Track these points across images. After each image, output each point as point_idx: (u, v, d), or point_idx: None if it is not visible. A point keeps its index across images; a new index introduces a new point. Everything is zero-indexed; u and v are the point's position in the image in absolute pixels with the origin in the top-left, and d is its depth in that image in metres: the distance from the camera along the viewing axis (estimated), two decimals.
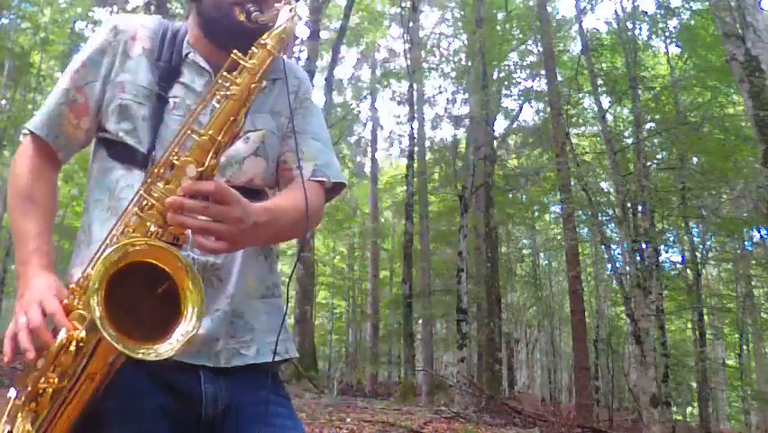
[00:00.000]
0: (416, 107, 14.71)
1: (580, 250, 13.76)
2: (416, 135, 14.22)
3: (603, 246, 10.83)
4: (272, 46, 1.00)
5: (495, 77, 14.97)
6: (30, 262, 1.04)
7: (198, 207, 0.91)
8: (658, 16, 11.57)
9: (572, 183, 11.54)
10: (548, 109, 13.39)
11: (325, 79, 13.58)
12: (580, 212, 12.53)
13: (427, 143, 17.10)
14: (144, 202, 0.94)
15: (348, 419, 6.89)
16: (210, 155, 0.93)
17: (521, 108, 15.84)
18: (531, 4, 14.16)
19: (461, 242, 10.94)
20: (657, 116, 11.89)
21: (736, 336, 15.55)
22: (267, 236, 1.06)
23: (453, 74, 15.17)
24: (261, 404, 1.10)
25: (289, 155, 1.21)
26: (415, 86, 14.17)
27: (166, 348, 0.86)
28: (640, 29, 11.45)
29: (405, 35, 14.12)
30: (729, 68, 6.19)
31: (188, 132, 0.96)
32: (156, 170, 0.96)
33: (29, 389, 0.92)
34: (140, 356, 0.84)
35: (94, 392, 0.91)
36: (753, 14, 5.79)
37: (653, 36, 12.38)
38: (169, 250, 0.90)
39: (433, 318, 16.37)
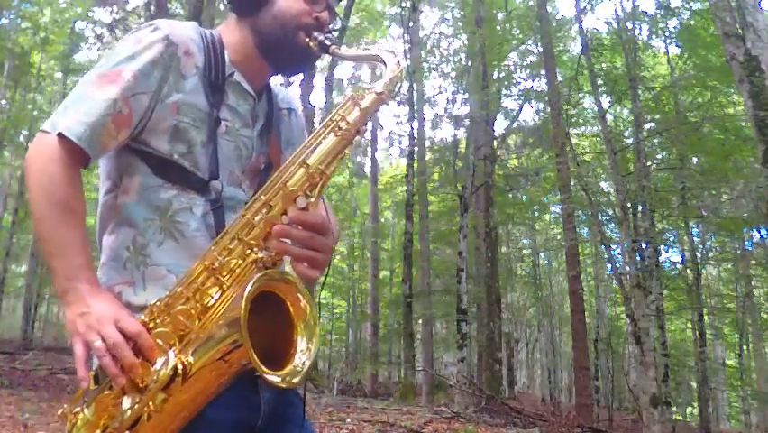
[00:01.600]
0: (416, 107, 14.70)
1: (580, 250, 13.75)
2: (416, 135, 14.22)
3: (603, 246, 10.83)
4: (385, 94, 1.04)
5: (495, 77, 14.96)
6: (79, 277, 0.98)
7: (304, 236, 0.95)
8: (658, 16, 11.57)
9: (572, 183, 11.54)
10: (548, 109, 13.38)
11: (325, 79, 13.56)
12: (580, 212, 12.53)
13: (427, 143, 17.11)
14: (247, 227, 0.97)
15: (348, 419, 6.89)
16: (318, 188, 0.98)
17: (521, 108, 15.85)
18: (531, 4, 14.16)
19: (461, 242, 10.94)
20: (657, 116, 11.89)
21: (736, 336, 15.55)
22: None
23: (453, 74, 15.17)
24: (293, 406, 1.15)
25: None
26: (415, 86, 14.16)
27: (297, 372, 0.91)
28: (640, 29, 11.47)
29: (405, 35, 14.12)
30: (729, 68, 6.19)
31: (297, 163, 0.99)
32: (262, 197, 0.99)
33: (127, 413, 0.89)
34: (279, 383, 0.88)
35: (189, 414, 0.93)
36: (753, 14, 5.78)
37: (653, 36, 12.39)
38: (293, 282, 0.95)
39: (433, 318, 16.36)
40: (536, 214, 19.12)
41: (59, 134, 1.01)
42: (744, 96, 5.90)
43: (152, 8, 15.83)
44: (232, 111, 1.13)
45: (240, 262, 0.95)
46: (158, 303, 0.95)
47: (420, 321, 16.64)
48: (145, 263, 1.07)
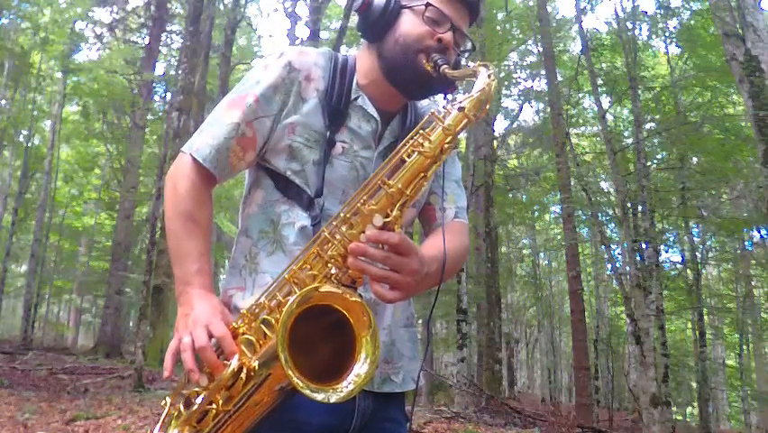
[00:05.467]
0: None
1: (580, 250, 13.76)
2: None
3: (603, 246, 10.83)
4: (469, 110, 1.00)
5: None
6: (193, 282, 1.06)
7: (380, 255, 0.94)
8: (658, 16, 11.57)
9: (572, 183, 11.54)
10: (548, 109, 13.38)
11: None
12: (580, 212, 12.53)
13: None
14: (327, 244, 0.97)
15: None
16: (396, 207, 0.96)
17: (521, 108, 15.86)
18: (531, 4, 14.16)
19: None
20: (657, 116, 11.89)
21: (736, 336, 15.54)
22: (434, 283, 1.07)
23: None
24: (394, 423, 1.20)
25: (433, 197, 1.27)
26: None
27: (337, 396, 0.89)
28: (640, 29, 11.46)
29: None
30: (729, 68, 6.19)
31: (379, 182, 0.98)
32: (342, 215, 0.99)
33: (194, 408, 0.95)
34: (318, 398, 0.87)
35: (255, 419, 0.95)
36: (753, 14, 5.78)
37: (653, 36, 12.39)
38: (351, 297, 0.94)
39: (433, 318, 16.36)
40: (536, 214, 19.12)
41: (191, 155, 1.14)
42: (744, 96, 5.90)
43: (152, 8, 15.84)
44: (352, 133, 1.16)
45: (318, 276, 0.96)
46: (247, 312, 1.00)
47: (420, 321, 16.65)
48: (256, 271, 1.14)
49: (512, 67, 15.33)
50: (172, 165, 1.18)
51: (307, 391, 0.85)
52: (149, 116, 16.28)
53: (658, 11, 11.41)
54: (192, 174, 1.14)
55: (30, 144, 16.85)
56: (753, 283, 15.28)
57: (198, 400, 0.95)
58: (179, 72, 9.38)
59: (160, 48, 16.59)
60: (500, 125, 16.04)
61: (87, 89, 16.36)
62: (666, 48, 13.30)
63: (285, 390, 0.91)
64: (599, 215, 11.02)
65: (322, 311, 0.93)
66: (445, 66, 1.07)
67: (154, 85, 17.36)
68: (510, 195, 15.88)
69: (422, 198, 1.24)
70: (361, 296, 0.96)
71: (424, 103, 1.29)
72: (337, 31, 14.56)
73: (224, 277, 1.20)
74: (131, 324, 21.68)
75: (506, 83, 15.28)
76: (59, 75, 17.25)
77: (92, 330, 24.49)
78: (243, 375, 0.91)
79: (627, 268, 10.42)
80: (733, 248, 14.29)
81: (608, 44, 11.80)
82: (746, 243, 14.16)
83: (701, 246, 13.47)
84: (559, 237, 16.14)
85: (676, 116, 11.07)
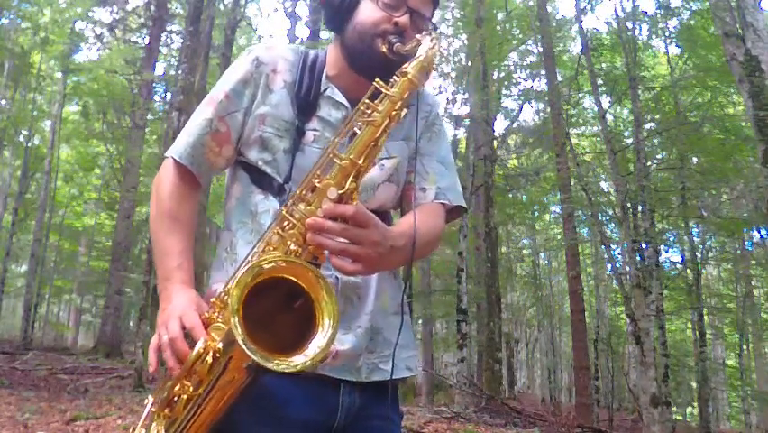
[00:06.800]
0: None
1: (580, 250, 13.76)
2: None
3: (603, 246, 10.83)
4: (413, 75, 1.01)
5: (495, 77, 14.97)
6: (173, 278, 1.09)
7: (337, 228, 0.93)
8: (658, 16, 11.57)
9: (572, 183, 11.54)
10: (548, 109, 13.38)
11: None
12: (580, 212, 12.53)
13: None
14: (286, 222, 0.98)
15: None
16: (350, 179, 0.96)
17: (521, 108, 15.86)
18: (531, 4, 14.16)
19: (461, 242, 10.94)
20: (657, 116, 11.88)
21: (736, 336, 15.54)
22: (404, 259, 1.07)
23: (453, 74, 15.16)
24: (386, 421, 1.17)
25: (413, 176, 1.25)
26: None
27: (300, 360, 0.88)
28: (640, 29, 11.46)
29: None
30: (729, 68, 6.19)
31: (330, 156, 0.99)
32: (298, 192, 0.99)
33: (164, 395, 0.97)
34: (272, 367, 0.86)
35: (228, 401, 0.94)
36: (753, 14, 5.78)
37: (653, 36, 12.39)
38: (304, 266, 0.93)
39: (433, 318, 16.36)
40: (536, 214, 19.12)
41: (171, 157, 1.19)
42: (744, 97, 5.90)
43: (152, 8, 15.84)
44: (322, 121, 1.17)
45: (275, 255, 0.96)
46: (217, 300, 1.00)
47: (420, 321, 16.64)
48: (236, 260, 1.15)
49: (512, 67, 15.34)
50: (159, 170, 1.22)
51: (257, 357, 0.84)
52: (149, 116, 16.25)
53: (658, 11, 11.42)
54: (172, 175, 1.18)
55: (30, 144, 16.85)
56: (753, 283, 15.28)
57: (169, 389, 0.96)
58: (179, 72, 9.38)
59: (160, 48, 16.58)
60: (500, 125, 16.05)
61: (87, 89, 16.36)
62: (666, 48, 13.31)
63: (252, 367, 0.90)
64: (599, 215, 11.01)
65: (280, 286, 0.92)
66: (398, 44, 1.08)
67: (154, 85, 17.35)
68: (510, 195, 15.87)
69: (401, 176, 1.22)
70: (317, 266, 0.95)
71: None
72: None
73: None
74: (131, 324, 21.66)
75: (506, 83, 15.29)
76: (59, 75, 17.25)
77: (92, 330, 24.48)
78: (210, 358, 0.92)
79: (627, 268, 10.42)
80: (733, 248, 14.29)
81: (608, 44, 11.80)
82: (746, 243, 14.17)
83: (701, 246, 13.47)
84: (559, 237, 16.14)
85: (676, 116, 11.07)
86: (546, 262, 22.53)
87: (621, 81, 10.89)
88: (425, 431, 6.74)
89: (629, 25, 10.75)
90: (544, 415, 10.36)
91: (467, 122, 13.44)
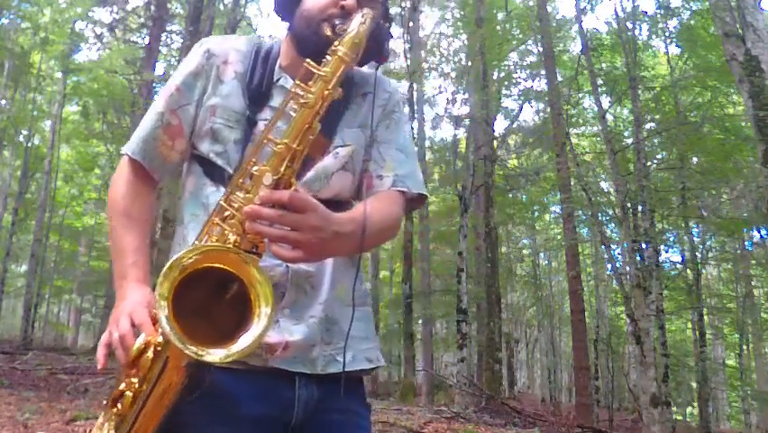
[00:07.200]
0: (416, 107, 14.70)
1: (580, 250, 13.76)
2: (416, 135, 14.22)
3: (603, 246, 10.83)
4: (344, 53, 0.99)
5: (495, 77, 14.97)
6: (128, 276, 1.08)
7: (273, 215, 0.91)
8: (658, 16, 11.57)
9: (572, 183, 11.54)
10: (548, 109, 13.38)
11: None
12: (580, 212, 12.53)
13: (427, 143, 17.10)
14: (225, 212, 0.96)
15: None
16: (285, 163, 0.94)
17: (521, 108, 15.84)
18: (531, 4, 14.17)
19: (461, 242, 10.94)
20: (657, 116, 11.89)
21: (736, 336, 15.55)
22: (353, 246, 1.04)
23: (453, 74, 15.17)
24: (347, 414, 1.13)
25: (370, 164, 1.22)
26: (415, 86, 14.16)
27: (235, 350, 0.86)
28: (640, 29, 11.46)
29: (405, 35, 14.12)
30: (729, 68, 6.19)
31: (265, 142, 0.97)
32: (236, 181, 0.98)
33: (112, 393, 0.96)
34: (205, 357, 0.84)
35: (174, 397, 0.93)
36: (753, 14, 5.78)
37: (653, 36, 12.39)
38: (237, 254, 0.91)
39: (433, 318, 16.36)
40: (536, 214, 19.12)
41: (126, 154, 1.19)
42: (744, 97, 5.90)
43: (152, 8, 15.84)
44: (274, 111, 1.15)
45: (205, 245, 0.94)
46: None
47: (420, 321, 16.64)
48: None
49: (512, 67, 15.34)
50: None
51: (188, 349, 0.82)
52: None
53: (658, 11, 11.42)
54: (126, 172, 1.18)
55: (30, 144, 16.86)
56: (753, 283, 15.28)
57: (120, 386, 0.95)
58: None
59: (160, 48, 16.57)
60: (500, 125, 16.04)
61: (87, 89, 16.35)
62: (666, 48, 13.31)
63: (192, 361, 0.88)
64: (599, 215, 11.01)
65: (211, 276, 0.90)
66: (340, 25, 1.06)
67: (154, 85, 17.35)
68: (510, 195, 15.87)
69: (357, 164, 1.19)
70: (258, 255, 0.93)
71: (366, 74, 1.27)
72: None
73: None
74: None
75: (506, 83, 15.29)
76: (59, 75, 17.25)
77: (92, 330, 24.50)
78: (151, 352, 0.91)
79: (627, 268, 10.42)
80: (733, 248, 14.29)
81: (608, 44, 11.80)
82: (746, 243, 14.17)
83: (701, 246, 13.47)
84: (559, 237, 16.14)
85: (676, 116, 11.07)
86: (546, 262, 22.53)
87: (621, 81, 10.89)
88: (425, 431, 6.74)
89: (629, 25, 10.75)
90: (544, 415, 10.36)
91: (467, 122, 13.44)
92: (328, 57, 1.00)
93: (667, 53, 13.28)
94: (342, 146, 1.16)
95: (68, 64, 15.90)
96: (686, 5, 11.29)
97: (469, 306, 11.41)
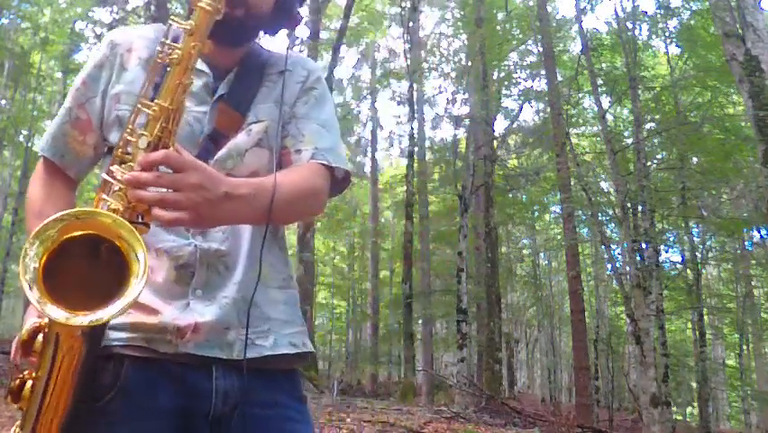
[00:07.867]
0: (416, 107, 14.71)
1: (580, 250, 13.76)
2: (416, 135, 14.22)
3: (603, 246, 10.84)
4: (207, 2, 0.95)
5: (495, 77, 14.97)
6: None
7: (151, 177, 0.87)
8: (658, 16, 11.58)
9: (572, 183, 11.54)
10: (548, 109, 13.39)
11: (325, 79, 13.58)
12: (580, 212, 12.53)
13: (427, 143, 17.11)
14: (109, 186, 0.93)
15: (348, 419, 6.89)
16: (160, 124, 0.91)
17: (521, 108, 15.84)
18: (531, 4, 14.17)
19: (461, 242, 10.95)
20: (657, 116, 11.89)
21: (736, 336, 15.56)
22: (255, 213, 0.99)
23: (453, 74, 15.17)
24: (272, 407, 1.06)
25: (288, 140, 1.17)
26: (415, 86, 14.17)
27: (108, 311, 0.80)
28: (640, 29, 11.47)
29: (405, 35, 14.12)
30: (729, 68, 6.19)
31: (139, 107, 0.95)
32: (116, 152, 0.95)
33: (11, 385, 0.93)
34: (75, 322, 0.79)
35: (76, 383, 0.88)
36: (753, 14, 5.79)
37: (653, 36, 12.39)
38: (104, 217, 0.85)
39: (433, 318, 16.37)
40: (536, 214, 19.12)
41: (41, 153, 1.16)
42: (744, 97, 5.91)
43: (152, 8, 15.84)
44: None
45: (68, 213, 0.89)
46: None
47: (420, 321, 16.64)
48: None
49: (512, 67, 15.33)
50: None
51: (59, 317, 0.78)
52: None
53: (658, 11, 11.43)
54: (40, 171, 1.17)
55: (30, 144, 16.85)
56: (753, 283, 15.29)
57: (18, 377, 0.92)
58: None
59: None
60: (500, 125, 16.03)
61: None
62: (666, 48, 13.32)
63: (86, 333, 0.85)
64: (599, 215, 11.02)
65: (88, 244, 0.85)
66: None
67: None
68: (510, 195, 15.87)
69: (272, 141, 1.15)
70: (146, 225, 0.90)
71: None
72: (337, 30, 14.58)
73: None
74: None
75: (506, 83, 15.29)
76: (59, 75, 17.26)
77: None
78: (41, 336, 0.89)
79: (627, 268, 10.43)
80: (733, 248, 14.30)
81: (608, 44, 11.80)
82: (746, 243, 14.17)
83: (701, 246, 13.48)
84: (559, 237, 16.14)
85: (676, 116, 11.07)
86: (546, 262, 22.54)
87: (621, 81, 10.89)
88: (425, 431, 6.74)
89: (629, 25, 10.76)
90: (544, 415, 10.36)
91: (467, 122, 13.45)
92: (193, 10, 0.96)
93: (667, 53, 13.29)
94: (255, 122, 1.13)
95: (68, 64, 15.90)
96: (686, 5, 11.29)
97: (469, 306, 11.41)
